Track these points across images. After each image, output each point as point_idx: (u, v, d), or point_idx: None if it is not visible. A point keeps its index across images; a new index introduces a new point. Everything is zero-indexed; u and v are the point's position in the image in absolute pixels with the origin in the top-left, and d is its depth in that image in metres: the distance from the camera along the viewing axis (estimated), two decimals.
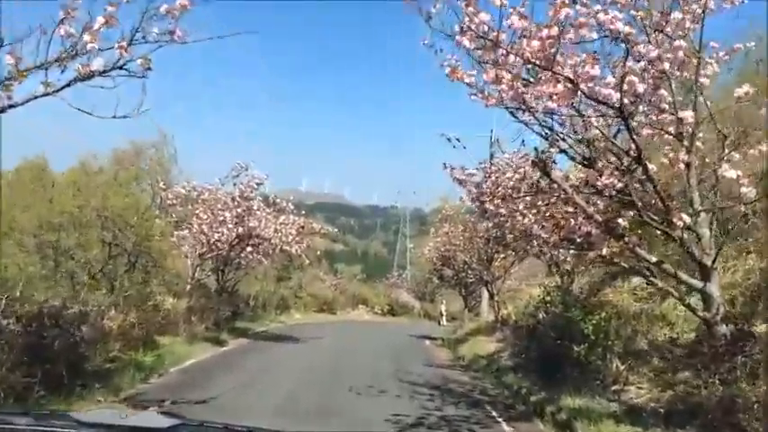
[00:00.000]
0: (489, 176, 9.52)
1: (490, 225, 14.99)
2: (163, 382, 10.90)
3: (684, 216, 6.71)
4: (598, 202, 7.79)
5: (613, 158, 7.51)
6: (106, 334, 10.14)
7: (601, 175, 7.44)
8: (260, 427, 2.24)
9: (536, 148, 7.83)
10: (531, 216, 9.76)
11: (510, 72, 6.28)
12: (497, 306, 21.00)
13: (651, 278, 7.64)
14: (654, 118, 7.12)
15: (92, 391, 8.53)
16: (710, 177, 7.15)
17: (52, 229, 17.10)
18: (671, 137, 7.10)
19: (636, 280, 14.10)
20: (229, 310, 20.56)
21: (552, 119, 7.23)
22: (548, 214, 8.63)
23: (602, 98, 6.16)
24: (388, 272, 61.75)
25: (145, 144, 23.76)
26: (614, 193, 7.45)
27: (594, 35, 6.10)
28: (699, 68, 6.57)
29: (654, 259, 7.43)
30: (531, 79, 6.52)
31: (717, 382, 7.14)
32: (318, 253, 27.52)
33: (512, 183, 9.14)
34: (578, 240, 8.17)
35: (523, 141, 8.31)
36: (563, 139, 7.73)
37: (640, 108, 6.94)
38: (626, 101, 6.31)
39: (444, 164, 9.99)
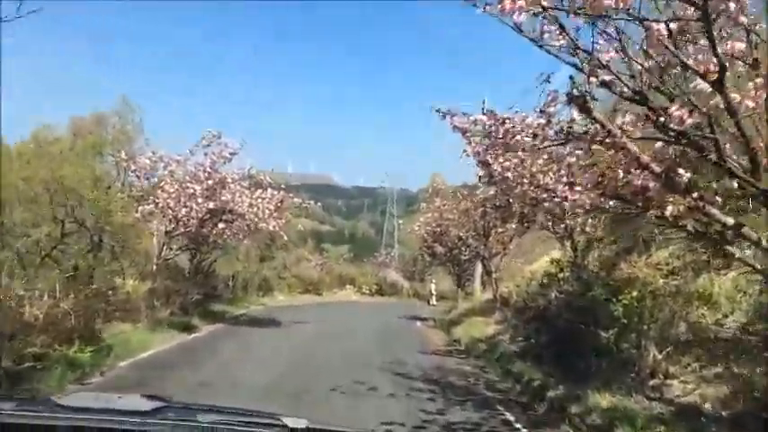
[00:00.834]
0: (502, 122, 7.56)
1: (493, 192, 13.11)
2: (104, 381, 8.96)
3: None
4: (658, 147, 5.93)
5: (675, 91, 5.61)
6: (29, 325, 8.19)
7: (658, 116, 5.55)
8: (246, 408, 2.13)
9: (571, 77, 5.92)
10: (552, 175, 7.89)
11: None
12: (496, 284, 19.23)
13: (726, 246, 5.80)
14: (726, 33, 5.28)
15: None
16: None
17: None
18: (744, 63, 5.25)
19: (662, 252, 12.39)
20: (200, 293, 18.57)
21: (595, 30, 5.30)
22: (585, 164, 6.74)
23: None
24: (375, 252, 60.05)
25: (107, 113, 21.58)
26: (676, 135, 5.57)
27: None
28: None
29: (731, 221, 5.59)
30: None
31: None
32: (300, 228, 25.51)
33: (531, 130, 7.20)
34: (628, 198, 6.30)
35: (549, 78, 6.44)
36: (606, 67, 5.80)
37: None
38: None
39: (439, 110, 8.02)
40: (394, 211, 78.43)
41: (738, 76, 5.61)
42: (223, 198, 17.14)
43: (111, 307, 13.51)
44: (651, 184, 5.88)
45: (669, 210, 5.56)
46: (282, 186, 19.43)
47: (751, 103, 5.13)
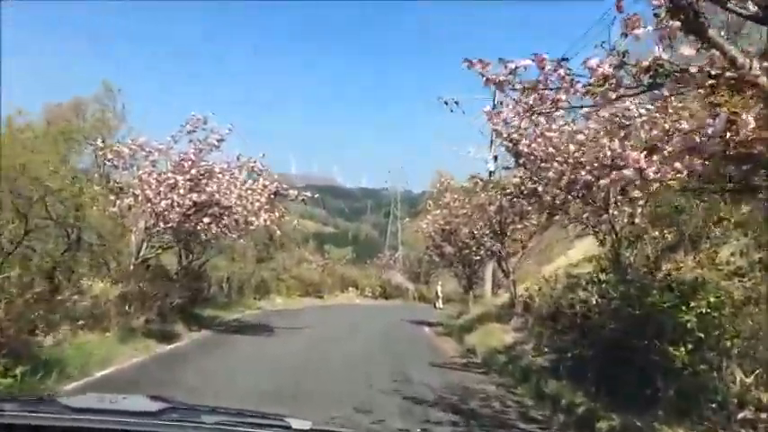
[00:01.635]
0: (556, 67, 5.59)
1: (517, 179, 11.15)
2: None
3: None
4: None
5: None
6: None
7: None
8: (250, 410, 2.12)
9: None
10: (617, 141, 5.96)
11: None
12: (514, 286, 17.27)
13: None
14: None
15: None
16: None
17: None
18: None
19: (725, 250, 10.45)
20: (183, 297, 16.63)
21: None
22: (709, 101, 4.82)
23: None
24: (379, 253, 58.21)
25: (86, 99, 19.73)
26: None
27: None
28: None
29: None
30: None
31: None
32: (296, 223, 23.51)
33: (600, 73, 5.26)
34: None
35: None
36: None
37: None
38: None
39: (466, 59, 6.06)
40: (398, 212, 76.54)
41: None
42: (208, 189, 15.24)
43: (73, 314, 11.67)
44: None
45: None
46: (276, 178, 17.52)
47: None
